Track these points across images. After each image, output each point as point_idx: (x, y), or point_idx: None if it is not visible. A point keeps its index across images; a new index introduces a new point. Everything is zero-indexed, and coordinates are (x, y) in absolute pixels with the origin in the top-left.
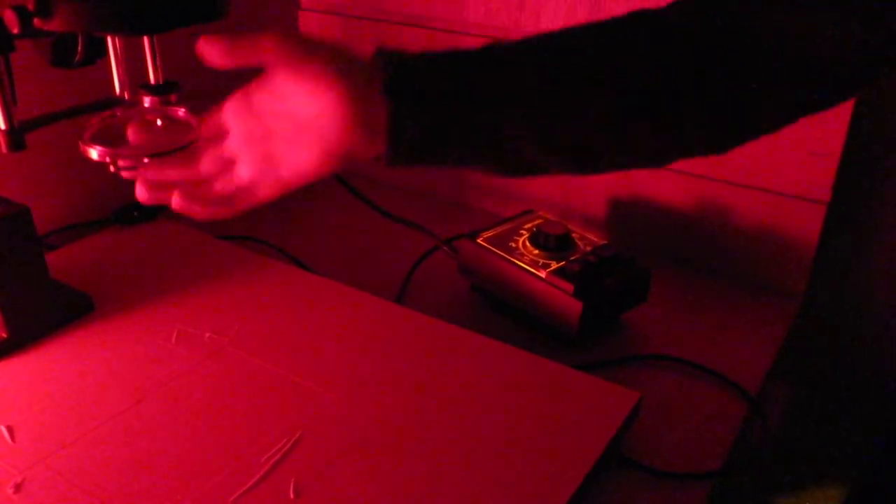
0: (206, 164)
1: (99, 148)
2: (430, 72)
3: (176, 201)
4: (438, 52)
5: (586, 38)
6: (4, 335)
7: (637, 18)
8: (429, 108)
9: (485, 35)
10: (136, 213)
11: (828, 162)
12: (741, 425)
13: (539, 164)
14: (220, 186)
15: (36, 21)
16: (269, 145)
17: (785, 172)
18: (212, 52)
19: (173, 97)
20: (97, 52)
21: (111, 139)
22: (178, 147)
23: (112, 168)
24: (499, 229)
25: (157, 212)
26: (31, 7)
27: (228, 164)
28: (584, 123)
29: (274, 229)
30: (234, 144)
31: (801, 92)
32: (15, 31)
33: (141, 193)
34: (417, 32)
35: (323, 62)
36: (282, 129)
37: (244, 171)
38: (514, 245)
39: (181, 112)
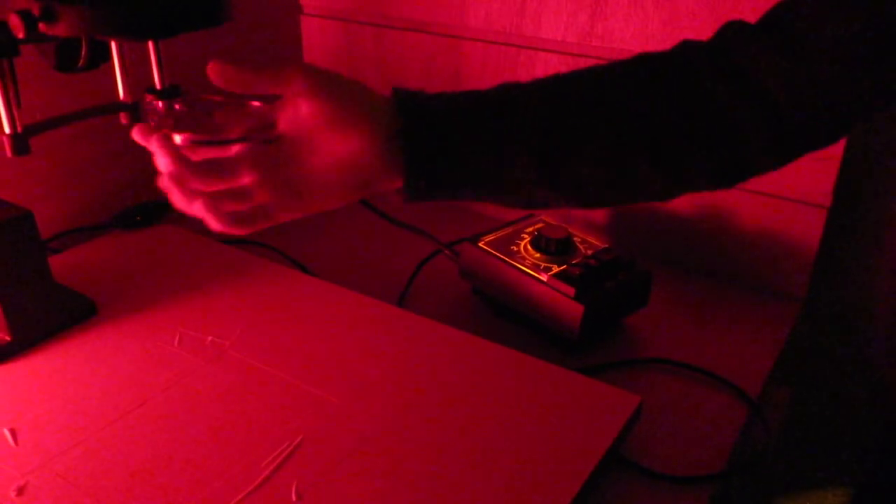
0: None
1: (183, 134)
2: (445, 117)
3: (199, 206)
4: (452, 94)
5: (591, 79)
6: (7, 338)
7: (642, 59)
8: (442, 151)
9: (485, 40)
10: (138, 218)
11: (829, 166)
12: (742, 428)
13: (549, 200)
14: (232, 205)
15: (41, 26)
16: (290, 171)
17: (786, 176)
18: (228, 76)
19: (178, 100)
20: (101, 56)
21: (184, 127)
22: (256, 133)
23: (187, 155)
24: (500, 233)
25: (159, 216)
26: (36, 12)
27: (240, 183)
28: (584, 160)
29: (276, 233)
30: (253, 165)
31: (800, 134)
32: (20, 35)
33: (174, 193)
34: (419, 37)
35: (349, 100)
36: (306, 158)
37: (262, 194)
38: (515, 249)
39: (256, 104)
